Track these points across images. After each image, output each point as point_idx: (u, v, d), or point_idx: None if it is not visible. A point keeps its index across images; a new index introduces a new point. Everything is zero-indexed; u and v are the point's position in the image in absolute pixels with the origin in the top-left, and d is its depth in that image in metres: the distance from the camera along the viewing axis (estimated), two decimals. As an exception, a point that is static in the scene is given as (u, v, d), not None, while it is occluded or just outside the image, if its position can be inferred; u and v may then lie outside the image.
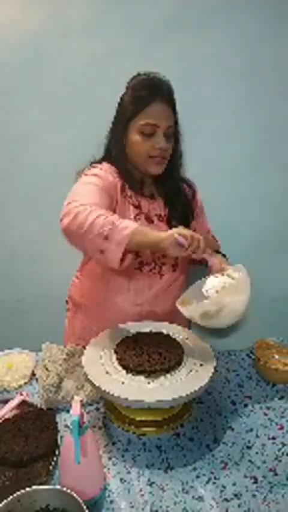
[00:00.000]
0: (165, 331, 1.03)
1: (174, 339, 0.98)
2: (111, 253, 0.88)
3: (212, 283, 1.00)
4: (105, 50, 1.48)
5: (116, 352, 0.92)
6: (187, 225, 1.19)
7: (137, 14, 1.46)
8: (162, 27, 1.46)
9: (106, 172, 1.08)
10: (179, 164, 1.17)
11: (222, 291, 0.95)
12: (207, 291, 0.99)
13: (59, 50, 1.49)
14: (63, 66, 1.51)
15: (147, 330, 1.04)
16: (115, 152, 1.12)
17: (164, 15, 1.45)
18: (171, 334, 1.01)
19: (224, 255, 1.20)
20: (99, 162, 1.14)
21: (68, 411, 0.91)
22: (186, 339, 1.00)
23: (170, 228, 1.14)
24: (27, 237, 1.73)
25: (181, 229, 0.88)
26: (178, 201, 1.18)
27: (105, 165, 1.11)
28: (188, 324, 1.36)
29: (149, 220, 1.14)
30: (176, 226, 1.14)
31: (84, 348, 0.97)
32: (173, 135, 1.09)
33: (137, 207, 1.12)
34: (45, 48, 1.49)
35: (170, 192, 1.18)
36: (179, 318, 1.25)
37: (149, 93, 1.03)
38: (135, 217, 1.11)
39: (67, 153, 1.61)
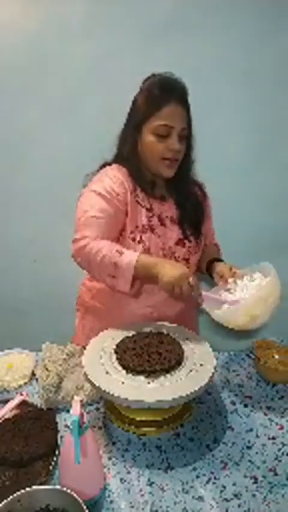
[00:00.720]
0: (165, 331, 1.03)
1: (174, 339, 0.98)
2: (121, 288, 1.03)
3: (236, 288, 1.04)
4: (105, 50, 1.48)
5: (116, 352, 0.92)
6: (198, 228, 1.19)
7: (137, 14, 1.46)
8: (162, 27, 1.46)
9: (115, 182, 1.07)
10: (191, 166, 1.17)
11: (257, 292, 0.97)
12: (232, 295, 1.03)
13: (58, 50, 1.49)
14: (63, 66, 1.51)
15: (147, 330, 1.04)
16: (127, 153, 1.11)
17: (164, 15, 1.45)
18: (171, 334, 1.01)
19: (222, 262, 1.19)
20: (110, 163, 1.14)
21: (68, 411, 0.90)
22: (186, 339, 1.00)
23: (182, 230, 1.15)
24: (27, 237, 1.73)
25: (165, 282, 0.95)
26: (189, 203, 1.17)
27: (114, 171, 1.10)
28: (198, 327, 1.36)
29: (161, 222, 1.13)
30: (187, 229, 1.15)
31: (84, 348, 0.97)
32: (186, 137, 1.09)
33: (149, 209, 1.12)
34: (45, 48, 1.49)
35: (181, 194, 1.17)
36: (190, 321, 1.25)
37: (163, 94, 1.03)
38: (148, 219, 1.10)
39: (67, 153, 1.62)
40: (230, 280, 1.06)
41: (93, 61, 1.50)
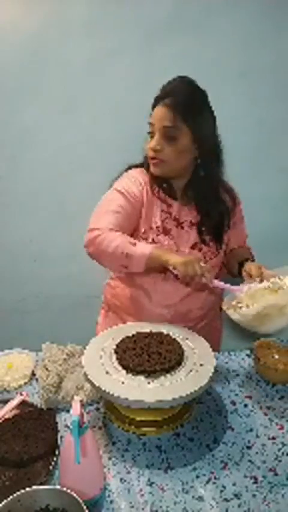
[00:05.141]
0: (165, 331, 1.03)
1: (174, 339, 0.98)
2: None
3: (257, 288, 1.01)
4: (105, 50, 1.48)
5: (116, 352, 0.92)
6: (219, 234, 1.18)
7: (137, 14, 1.46)
8: (162, 27, 1.46)
9: (133, 182, 1.12)
10: (212, 169, 1.13)
11: (276, 293, 0.96)
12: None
13: (59, 50, 1.49)
14: (63, 66, 1.51)
15: (147, 330, 1.04)
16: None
17: (164, 15, 1.45)
18: (171, 334, 1.01)
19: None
20: (136, 166, 1.18)
21: (68, 411, 0.91)
22: (186, 339, 1.00)
23: (200, 235, 1.15)
24: (27, 237, 1.73)
25: (178, 262, 0.96)
26: (212, 208, 1.15)
27: (134, 173, 1.15)
28: (220, 333, 1.35)
29: (179, 224, 1.14)
30: (205, 233, 1.15)
31: (85, 348, 0.97)
32: (173, 138, 1.06)
33: (166, 211, 1.14)
34: (45, 48, 1.49)
35: (200, 198, 1.15)
36: (211, 324, 1.25)
37: (157, 96, 1.07)
38: (162, 221, 1.13)
39: (67, 153, 1.62)
40: (257, 279, 1.04)
41: (93, 61, 1.50)
